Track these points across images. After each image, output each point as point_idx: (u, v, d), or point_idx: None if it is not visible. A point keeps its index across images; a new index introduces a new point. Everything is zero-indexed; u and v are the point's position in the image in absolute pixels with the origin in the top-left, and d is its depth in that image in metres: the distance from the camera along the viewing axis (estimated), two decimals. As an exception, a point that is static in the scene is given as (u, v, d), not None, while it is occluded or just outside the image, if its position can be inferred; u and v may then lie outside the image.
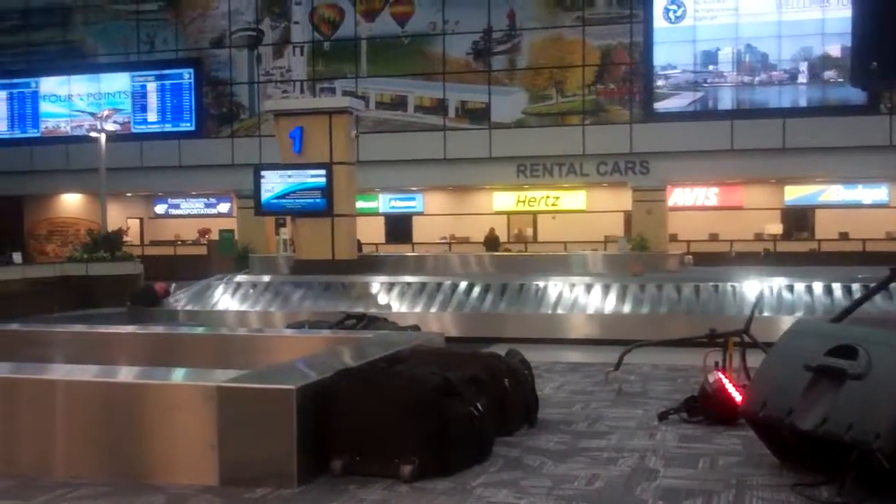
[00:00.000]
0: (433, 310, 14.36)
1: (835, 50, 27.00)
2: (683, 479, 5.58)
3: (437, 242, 31.23)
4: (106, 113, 26.53)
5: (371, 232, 29.49)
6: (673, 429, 6.93)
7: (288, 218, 20.97)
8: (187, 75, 31.94)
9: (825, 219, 29.45)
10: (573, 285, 14.29)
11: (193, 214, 35.09)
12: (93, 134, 25.71)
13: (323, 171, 17.08)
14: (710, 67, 28.01)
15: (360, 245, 21.62)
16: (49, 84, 33.52)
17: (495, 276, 15.73)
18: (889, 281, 6.70)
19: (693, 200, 30.54)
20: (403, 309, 14.37)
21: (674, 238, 28.72)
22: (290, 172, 17.40)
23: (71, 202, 35.48)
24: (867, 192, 29.43)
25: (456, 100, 29.76)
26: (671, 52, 28.12)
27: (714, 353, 7.69)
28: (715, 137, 27.04)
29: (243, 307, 15.59)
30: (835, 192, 29.68)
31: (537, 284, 14.48)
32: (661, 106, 28.25)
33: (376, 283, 15.43)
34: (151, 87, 32.33)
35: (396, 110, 30.30)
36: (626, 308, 13.68)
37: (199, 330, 11.45)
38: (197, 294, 16.42)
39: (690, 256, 21.87)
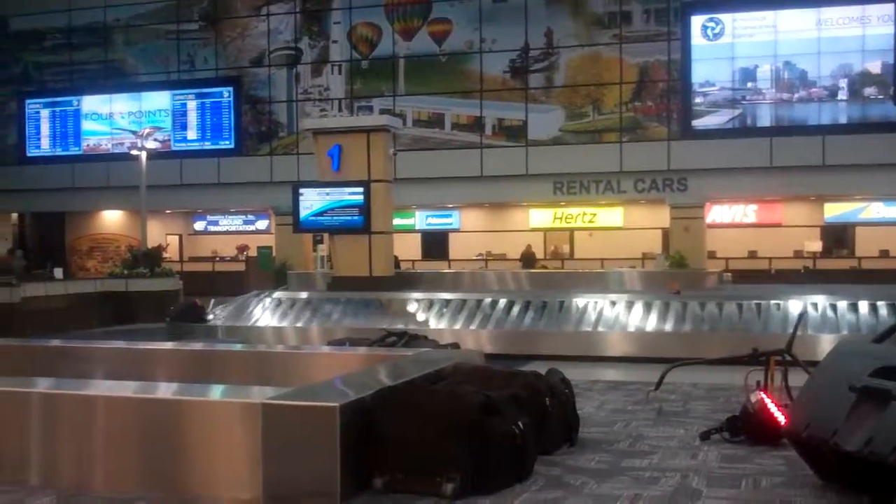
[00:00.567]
0: (470, 327, 14.33)
1: (875, 67, 26.82)
2: (727, 500, 5.55)
3: (473, 259, 31.25)
4: (147, 131, 26.90)
5: (407, 249, 29.56)
6: (715, 448, 6.90)
7: (325, 235, 21.06)
8: (227, 94, 32.26)
9: (865, 236, 29.14)
10: (611, 302, 14.20)
11: (232, 231, 35.38)
12: (134, 152, 26.04)
13: (361, 189, 17.17)
14: (749, 84, 27.87)
15: (397, 262, 21.70)
16: (91, 102, 33.97)
17: (532, 293, 15.69)
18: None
19: (731, 217, 30.36)
20: (440, 326, 14.35)
21: (712, 255, 28.51)
22: (328, 190, 17.50)
23: (112, 219, 35.90)
24: (908, 209, 29.13)
25: (493, 117, 29.80)
26: (709, 69, 28.01)
27: (755, 372, 7.65)
28: (754, 154, 26.88)
29: (281, 323, 15.66)
30: (875, 210, 29.36)
31: (574, 301, 14.40)
32: (699, 123, 28.14)
33: (413, 300, 15.45)
34: (191, 105, 32.68)
35: (433, 128, 30.41)
36: (664, 326, 13.57)
37: (238, 346, 11.47)
38: (235, 310, 16.52)
39: (729, 274, 21.71)
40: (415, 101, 30.54)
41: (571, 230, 31.79)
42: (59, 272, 24.26)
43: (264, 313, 16.10)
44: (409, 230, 31.86)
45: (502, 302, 14.77)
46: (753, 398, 7.06)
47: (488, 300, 14.89)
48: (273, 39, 31.89)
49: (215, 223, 35.73)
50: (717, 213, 30.15)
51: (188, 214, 35.49)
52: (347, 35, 31.19)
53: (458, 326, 14.31)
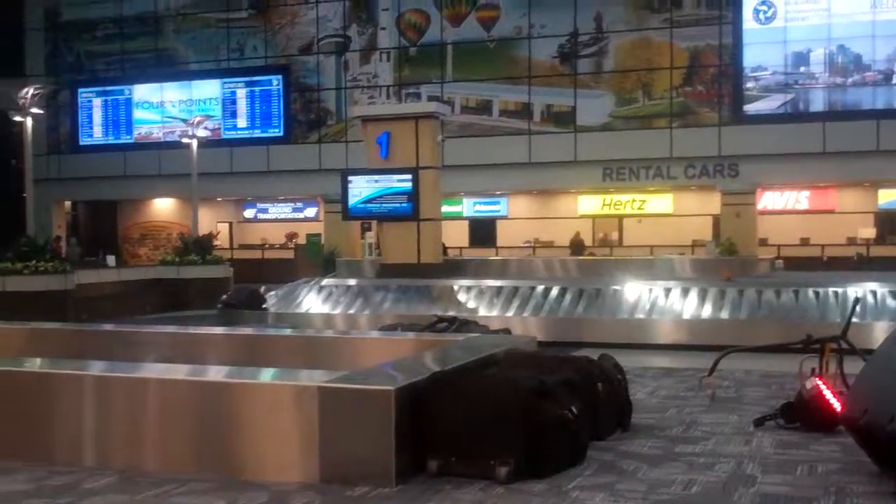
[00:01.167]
0: (518, 314, 14.32)
1: (931, 49, 26.33)
2: (782, 486, 5.51)
3: (521, 246, 31.20)
4: (197, 119, 27.11)
5: (455, 236, 29.57)
6: (769, 435, 6.84)
7: (373, 222, 21.16)
8: (276, 82, 32.47)
9: (921, 222, 28.67)
10: (662, 290, 14.11)
11: (281, 219, 35.62)
12: (185, 140, 26.29)
13: (409, 176, 17.24)
14: (802, 69, 27.50)
15: (444, 249, 21.74)
16: (142, 91, 34.37)
17: (580, 280, 15.66)
18: None
19: (783, 204, 30.00)
20: (489, 313, 14.33)
21: (763, 242, 28.20)
22: (376, 177, 17.59)
23: (163, 206, 36.34)
24: (965, 194, 28.58)
25: (541, 103, 29.70)
26: (761, 53, 27.67)
27: (810, 359, 7.57)
28: (806, 140, 26.54)
29: (330, 310, 15.76)
30: (931, 195, 28.88)
31: (624, 288, 14.34)
32: (750, 108, 27.83)
33: (461, 287, 15.46)
34: (241, 93, 32.94)
35: (482, 114, 30.37)
36: (716, 313, 13.46)
37: (288, 331, 11.62)
38: (285, 297, 16.67)
39: (781, 261, 21.53)
40: (463, 88, 30.52)
41: (620, 217, 31.60)
42: (111, 259, 24.69)
43: (314, 300, 16.23)
44: (457, 217, 31.85)
45: (551, 289, 14.73)
46: (809, 385, 6.99)
47: (537, 287, 14.87)
48: (322, 27, 32.02)
49: (265, 211, 36.00)
50: (769, 200, 29.80)
51: (238, 202, 35.79)
52: (395, 22, 31.23)
53: (507, 313, 14.30)
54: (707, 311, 13.57)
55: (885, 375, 5.62)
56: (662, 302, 13.89)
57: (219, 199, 34.11)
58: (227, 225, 35.06)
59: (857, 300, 10.80)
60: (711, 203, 29.00)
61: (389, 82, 31.34)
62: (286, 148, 31.99)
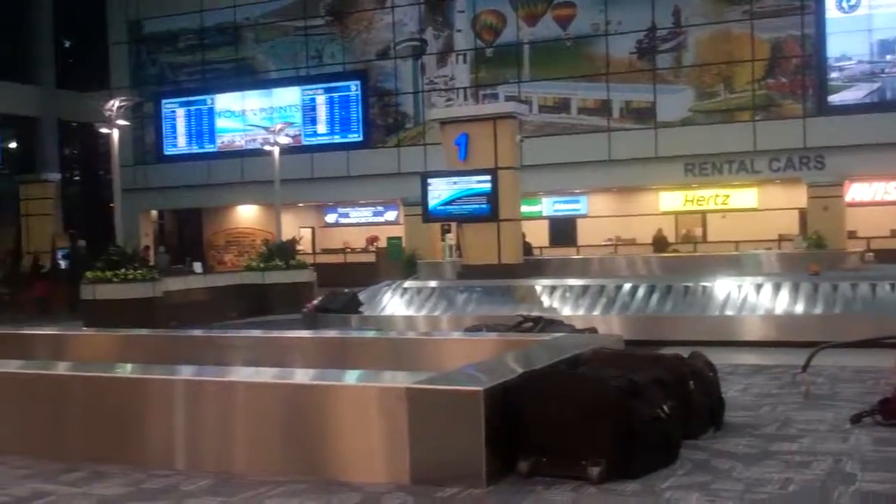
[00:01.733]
0: (601, 313, 14.15)
1: None
2: (883, 484, 5.36)
3: (602, 245, 30.95)
4: (279, 127, 27.47)
5: (535, 235, 29.38)
6: (867, 432, 6.66)
7: (453, 224, 21.18)
8: (354, 87, 32.70)
9: None
10: (752, 285, 13.82)
11: (362, 223, 35.92)
12: (266, 147, 26.62)
13: (488, 177, 17.19)
14: (888, 57, 26.77)
15: (529, 248, 21.64)
16: (224, 100, 34.91)
17: (664, 278, 15.43)
18: None
19: (872, 195, 29.26)
20: (572, 312, 14.20)
21: (852, 235, 27.53)
22: (455, 179, 17.58)
23: (247, 213, 36.90)
24: None
25: (620, 100, 29.41)
26: (845, 42, 27.01)
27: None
28: (895, 129, 25.80)
29: (413, 312, 15.81)
30: None
31: (709, 285, 14.10)
32: (835, 98, 27.19)
33: (543, 287, 15.36)
34: (320, 99, 33.25)
35: (560, 113, 30.18)
36: (805, 308, 13.15)
37: (371, 333, 11.68)
38: (368, 300, 16.73)
39: (871, 254, 20.95)
40: (540, 87, 30.37)
41: (704, 213, 31.14)
42: (198, 266, 25.11)
43: (396, 303, 16.29)
44: (536, 217, 31.72)
45: (634, 287, 14.55)
46: (906, 380, 6.79)
47: (621, 286, 14.69)
48: (398, 31, 32.17)
49: (346, 215, 36.33)
50: (857, 192, 29.10)
51: (320, 207, 36.16)
52: (471, 23, 31.22)
53: (591, 312, 14.15)
54: (793, 305, 13.25)
55: None
56: (750, 298, 13.62)
57: (300, 204, 34.51)
58: (309, 230, 35.46)
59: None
60: (797, 196, 28.39)
61: (466, 84, 31.35)
62: (365, 153, 32.20)
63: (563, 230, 32.25)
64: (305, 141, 33.10)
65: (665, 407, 5.86)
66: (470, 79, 31.31)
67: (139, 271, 18.39)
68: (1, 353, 9.07)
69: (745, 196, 30.40)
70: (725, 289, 13.90)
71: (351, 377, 6.65)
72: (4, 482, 5.96)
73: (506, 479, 5.52)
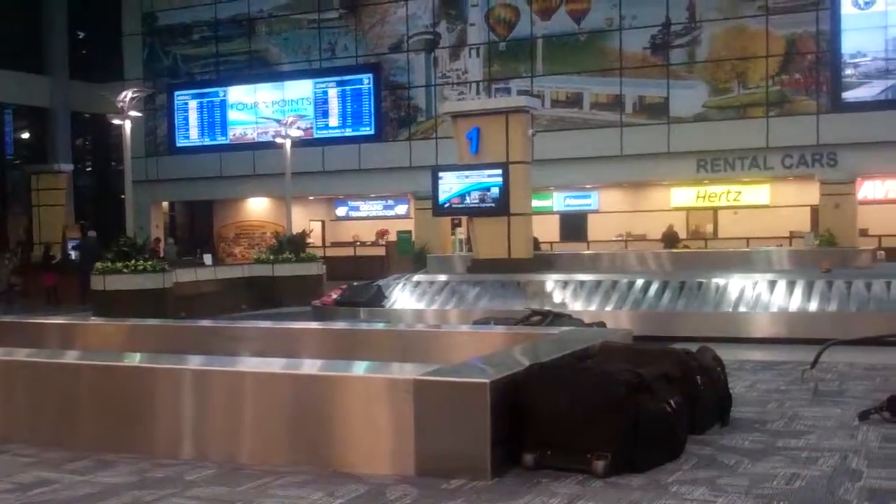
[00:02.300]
0: (611, 308, 14.12)
1: None
2: (890, 480, 5.33)
3: (612, 240, 30.88)
4: (290, 119, 27.43)
5: (545, 230, 29.36)
6: (875, 429, 6.63)
7: (463, 218, 21.13)
8: (367, 80, 32.69)
9: None
10: (762, 282, 13.77)
11: (372, 216, 35.90)
12: (278, 140, 26.62)
13: (500, 171, 17.14)
14: (904, 54, 26.66)
15: (536, 243, 21.60)
16: (236, 93, 34.95)
17: (674, 274, 15.38)
18: None
19: (885, 193, 29.09)
20: (581, 307, 14.16)
21: (864, 233, 27.38)
22: (467, 173, 17.53)
23: (257, 206, 36.95)
24: None
25: (633, 95, 29.32)
26: (861, 39, 26.88)
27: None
28: (909, 127, 25.69)
29: (423, 306, 15.80)
30: None
31: (719, 282, 14.05)
32: (850, 95, 27.06)
33: (553, 282, 15.34)
34: (333, 93, 33.25)
35: (572, 108, 30.10)
36: (815, 306, 13.08)
37: (379, 326, 11.72)
38: (378, 293, 16.73)
39: (882, 252, 20.89)
40: (553, 81, 30.31)
41: (715, 209, 31.04)
42: (208, 258, 25.13)
43: (406, 296, 16.27)
44: (547, 212, 31.66)
45: (644, 283, 14.50)
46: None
47: (631, 281, 14.65)
48: (412, 24, 32.14)
49: (356, 209, 36.32)
50: (869, 189, 28.95)
51: (330, 200, 36.17)
52: (485, 17, 31.18)
53: (600, 308, 14.12)
54: (803, 303, 13.19)
55: None
56: (758, 294, 13.57)
57: (311, 197, 34.53)
58: (319, 223, 35.48)
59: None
60: (809, 193, 28.29)
61: (479, 78, 31.31)
62: (377, 146, 32.20)
63: (573, 225, 32.17)
64: (317, 134, 33.12)
65: (672, 401, 5.84)
66: (483, 73, 31.26)
67: (149, 262, 18.43)
68: (10, 341, 9.11)
69: (756, 193, 30.29)
70: (735, 285, 13.85)
71: (358, 368, 6.63)
72: (9, 470, 5.97)
73: (511, 472, 5.51)
